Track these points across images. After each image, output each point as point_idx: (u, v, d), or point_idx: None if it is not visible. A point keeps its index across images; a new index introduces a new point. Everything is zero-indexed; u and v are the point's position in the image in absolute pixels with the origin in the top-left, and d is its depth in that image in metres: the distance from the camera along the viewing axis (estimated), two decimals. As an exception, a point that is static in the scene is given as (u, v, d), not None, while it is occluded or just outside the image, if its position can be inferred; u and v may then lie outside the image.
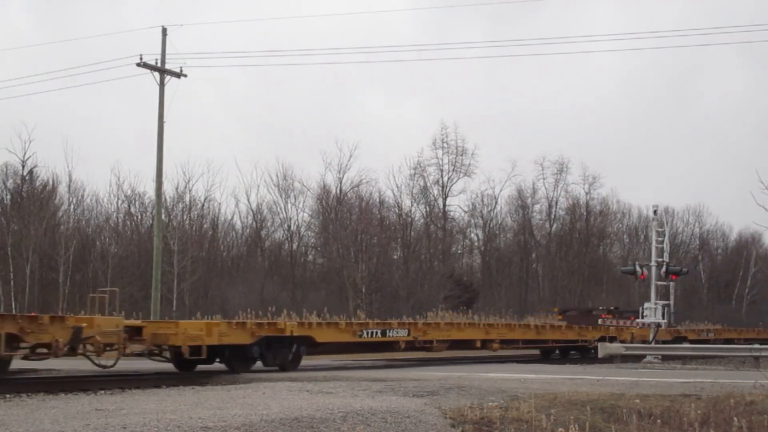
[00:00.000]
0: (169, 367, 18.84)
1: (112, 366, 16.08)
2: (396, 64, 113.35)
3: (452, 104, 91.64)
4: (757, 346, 26.48)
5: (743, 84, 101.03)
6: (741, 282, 70.50)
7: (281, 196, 61.74)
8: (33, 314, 16.67)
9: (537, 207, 67.36)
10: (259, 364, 18.94)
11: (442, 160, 61.94)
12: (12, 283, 48.89)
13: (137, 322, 18.37)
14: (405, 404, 10.53)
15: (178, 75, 36.66)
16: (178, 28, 58.71)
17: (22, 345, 14.90)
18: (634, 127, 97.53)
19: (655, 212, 34.79)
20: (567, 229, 67.16)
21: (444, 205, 62.37)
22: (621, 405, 10.83)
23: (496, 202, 66.61)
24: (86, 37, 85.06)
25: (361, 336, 21.48)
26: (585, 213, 67.23)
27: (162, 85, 36.16)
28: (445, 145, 61.90)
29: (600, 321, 35.48)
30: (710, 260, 74.36)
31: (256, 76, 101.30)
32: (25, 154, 54.75)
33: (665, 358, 26.55)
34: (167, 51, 36.82)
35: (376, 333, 22.05)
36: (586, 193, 66.90)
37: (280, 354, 19.12)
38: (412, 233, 62.29)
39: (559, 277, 64.74)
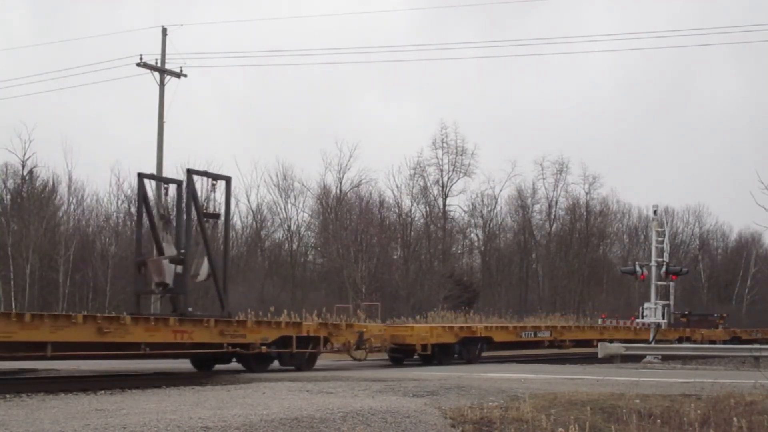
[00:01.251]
0: (170, 366, 18.88)
1: (363, 359, 22.34)
2: (395, 65, 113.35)
3: (452, 104, 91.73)
4: (757, 346, 26.48)
5: (743, 83, 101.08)
6: (741, 282, 70.51)
7: (281, 196, 61.78)
8: (337, 323, 22.92)
9: (537, 207, 67.43)
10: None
11: (442, 160, 62.00)
12: (12, 283, 48.87)
13: (383, 326, 24.79)
14: (405, 404, 10.53)
15: (178, 75, 36.68)
16: (177, 28, 58.76)
17: (328, 346, 20.56)
18: (634, 126, 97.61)
19: (655, 212, 34.80)
20: (567, 229, 67.16)
21: (444, 205, 62.40)
22: (621, 405, 10.83)
23: (496, 202, 66.65)
24: (85, 38, 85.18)
25: (521, 336, 26.88)
26: (585, 213, 67.24)
27: (162, 85, 36.19)
28: (445, 145, 61.95)
29: (600, 321, 35.49)
30: (710, 260, 74.38)
31: (256, 76, 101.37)
32: (25, 154, 54.72)
33: (665, 358, 26.55)
34: (167, 51, 36.88)
35: (530, 334, 27.68)
36: (586, 193, 66.95)
37: (471, 350, 24.45)
38: (412, 233, 62.31)
39: (559, 277, 64.74)
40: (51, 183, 56.43)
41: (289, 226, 61.86)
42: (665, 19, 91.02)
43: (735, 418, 9.68)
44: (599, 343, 25.60)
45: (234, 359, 18.75)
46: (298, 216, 62.22)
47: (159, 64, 36.31)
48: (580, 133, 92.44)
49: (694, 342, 32.60)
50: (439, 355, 23.27)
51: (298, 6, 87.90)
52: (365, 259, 53.66)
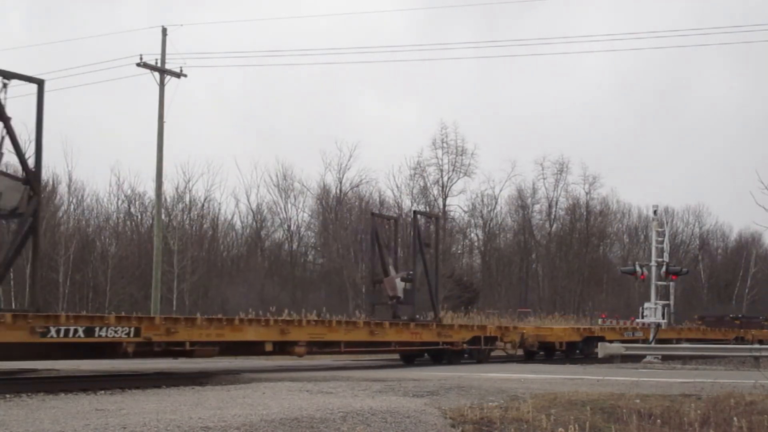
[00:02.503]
0: (169, 366, 18.90)
1: (515, 353, 26.80)
2: (394, 65, 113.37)
3: (452, 104, 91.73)
4: (757, 346, 26.49)
5: (743, 83, 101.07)
6: (741, 282, 70.53)
7: (281, 196, 61.82)
8: (507, 326, 28.06)
9: (537, 207, 67.51)
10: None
11: (441, 160, 62.03)
12: (12, 283, 48.87)
13: (533, 328, 28.82)
14: (405, 404, 10.53)
15: (178, 75, 36.68)
16: (177, 28, 58.77)
17: (498, 344, 25.33)
18: (634, 126, 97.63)
19: (655, 212, 34.80)
20: (567, 229, 67.21)
21: (444, 205, 62.40)
22: (621, 405, 10.83)
23: (496, 202, 66.68)
24: (85, 38, 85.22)
25: (623, 335, 29.19)
26: (585, 213, 67.28)
27: (162, 85, 36.19)
28: (444, 145, 61.99)
29: (600, 321, 35.49)
30: (710, 260, 74.40)
31: (255, 76, 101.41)
32: (25, 154, 54.66)
33: (665, 358, 26.56)
34: (167, 51, 36.88)
35: (630, 334, 30.39)
36: (586, 193, 67.01)
37: (590, 347, 26.63)
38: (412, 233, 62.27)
39: (559, 277, 64.77)
40: (51, 183, 56.47)
41: (289, 226, 61.92)
42: (664, 19, 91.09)
43: (735, 418, 9.68)
44: (599, 344, 25.62)
45: (426, 354, 24.25)
46: (298, 216, 62.27)
47: (159, 64, 36.30)
48: (580, 133, 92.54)
49: (747, 342, 34.39)
50: (566, 351, 27.60)
51: (296, 6, 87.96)
52: (365, 259, 53.62)
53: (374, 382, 14.06)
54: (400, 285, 24.71)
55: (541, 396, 11.61)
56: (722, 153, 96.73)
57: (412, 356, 24.46)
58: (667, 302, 32.35)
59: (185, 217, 58.26)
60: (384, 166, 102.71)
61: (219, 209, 61.56)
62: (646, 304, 31.70)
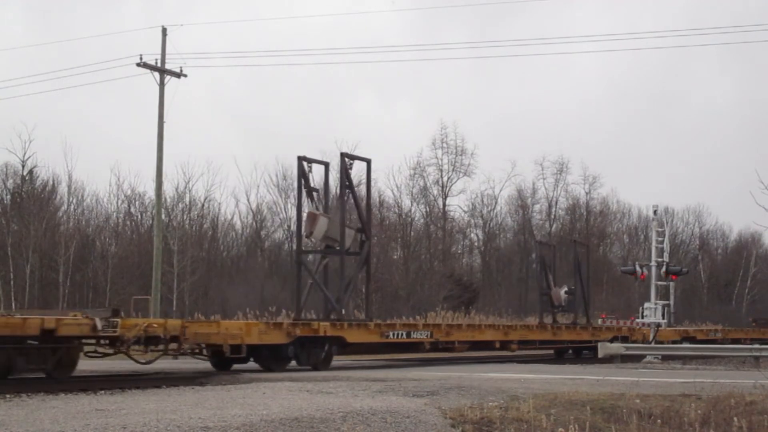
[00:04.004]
0: (170, 366, 18.88)
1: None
2: (393, 65, 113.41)
3: (451, 104, 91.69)
4: (757, 346, 26.49)
5: (743, 82, 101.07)
6: (741, 282, 70.52)
7: (281, 196, 61.77)
8: (634, 327, 31.18)
9: (537, 207, 67.46)
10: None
11: (441, 160, 62.00)
12: (12, 283, 48.90)
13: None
14: (405, 404, 10.53)
15: (178, 75, 36.66)
16: (177, 29, 58.67)
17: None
18: (634, 126, 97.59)
19: (655, 212, 34.85)
20: (567, 229, 67.17)
21: (444, 205, 62.39)
22: (621, 405, 10.83)
23: (496, 202, 66.63)
24: (84, 38, 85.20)
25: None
26: (585, 213, 67.28)
27: (162, 85, 36.17)
28: (444, 145, 61.96)
29: (600, 321, 35.48)
30: (710, 260, 74.37)
31: (254, 76, 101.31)
32: (25, 154, 54.68)
33: (665, 358, 26.57)
34: (167, 51, 36.87)
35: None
36: (586, 193, 66.99)
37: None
38: (412, 233, 62.31)
39: (559, 277, 64.73)
40: (51, 183, 56.49)
41: (289, 226, 61.84)
42: (662, 19, 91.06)
43: (735, 418, 9.68)
44: (599, 344, 25.64)
45: (570, 351, 29.03)
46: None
47: (159, 64, 36.30)
48: (580, 133, 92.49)
49: None
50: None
51: (292, 7, 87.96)
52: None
53: (374, 382, 14.06)
54: (563, 296, 30.85)
55: (541, 396, 11.61)
56: (722, 153, 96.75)
57: (562, 351, 29.84)
58: (667, 302, 32.36)
59: (185, 217, 58.26)
60: (384, 166, 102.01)
61: (219, 209, 61.55)
62: (646, 304, 31.73)
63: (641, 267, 32.15)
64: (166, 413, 9.36)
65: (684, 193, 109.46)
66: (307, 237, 21.74)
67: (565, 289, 31.06)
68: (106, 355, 16.30)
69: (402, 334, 22.16)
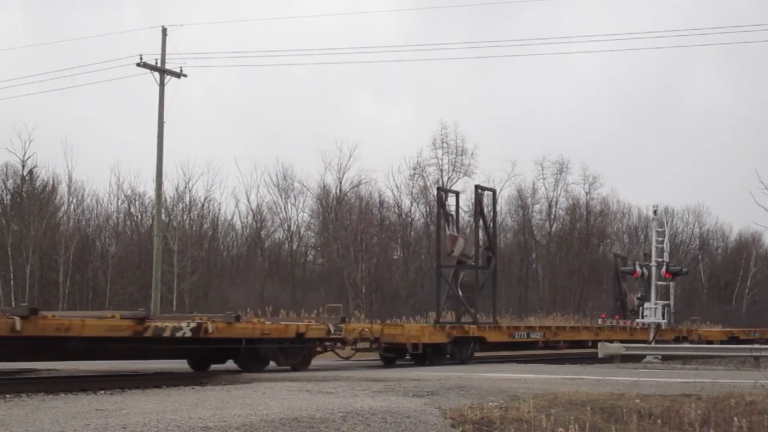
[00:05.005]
0: (169, 366, 18.91)
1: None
2: (393, 65, 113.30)
3: (451, 104, 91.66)
4: (757, 346, 26.48)
5: (743, 81, 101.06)
6: (741, 282, 70.51)
7: (281, 196, 61.80)
8: (691, 328, 34.54)
9: (537, 207, 67.38)
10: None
11: (441, 160, 61.99)
12: (12, 283, 48.91)
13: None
14: (405, 404, 10.53)
15: (178, 75, 36.68)
16: (177, 29, 58.64)
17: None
18: (634, 126, 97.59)
19: (655, 212, 34.80)
20: (567, 229, 67.16)
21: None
22: (621, 405, 10.83)
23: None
24: (82, 38, 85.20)
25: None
26: (585, 213, 67.25)
27: (162, 85, 36.19)
28: (444, 145, 61.95)
29: (600, 321, 35.45)
30: (710, 260, 74.36)
31: (253, 76, 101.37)
32: (25, 154, 54.71)
33: (665, 358, 26.54)
34: (167, 51, 36.88)
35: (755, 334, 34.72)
36: (586, 193, 66.96)
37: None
38: (412, 233, 62.32)
39: (559, 277, 64.75)
40: (51, 183, 56.52)
41: (289, 226, 61.91)
42: (661, 19, 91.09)
43: (735, 418, 9.68)
44: (599, 344, 25.62)
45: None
46: (298, 216, 62.25)
47: (159, 64, 36.32)
48: (580, 133, 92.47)
49: None
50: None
51: (293, 7, 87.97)
52: (365, 259, 53.70)
53: (374, 382, 14.06)
54: (636, 302, 33.80)
55: (541, 396, 11.61)
56: (722, 153, 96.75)
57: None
58: (667, 302, 32.34)
59: (185, 217, 58.29)
60: (383, 166, 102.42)
61: (219, 209, 61.58)
62: (646, 304, 31.69)
63: (641, 267, 32.14)
64: (166, 413, 9.36)
65: (684, 193, 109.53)
66: (449, 254, 25.56)
67: (638, 295, 34.18)
68: (325, 350, 19.93)
69: (524, 335, 26.45)
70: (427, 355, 22.42)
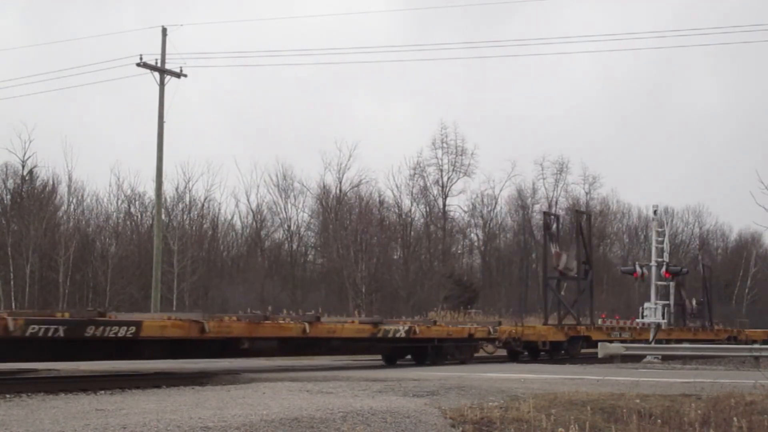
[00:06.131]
0: (169, 366, 18.92)
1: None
2: (393, 65, 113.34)
3: (451, 104, 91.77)
4: (757, 346, 26.49)
5: (743, 82, 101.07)
6: (741, 282, 70.51)
7: (281, 196, 61.87)
8: (740, 329, 38.63)
9: (537, 207, 67.46)
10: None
11: (441, 160, 62.10)
12: (12, 283, 48.92)
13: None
14: (405, 404, 10.53)
15: (179, 75, 36.69)
16: (176, 29, 58.76)
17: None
18: (634, 126, 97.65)
19: (655, 212, 34.84)
20: (567, 229, 67.14)
21: (444, 205, 62.45)
22: (621, 405, 10.82)
23: (496, 202, 66.69)
24: (82, 38, 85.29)
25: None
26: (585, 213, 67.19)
27: (162, 85, 36.19)
28: (444, 145, 62.07)
29: (600, 321, 35.46)
30: (710, 260, 74.31)
31: (252, 77, 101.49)
32: (25, 154, 54.78)
33: (665, 358, 26.55)
34: (166, 51, 36.87)
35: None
36: (586, 193, 67.11)
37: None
38: (412, 233, 62.37)
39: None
40: (51, 183, 56.58)
41: (289, 226, 61.95)
42: (663, 19, 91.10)
43: (735, 418, 9.68)
44: (599, 343, 25.62)
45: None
46: (298, 216, 62.32)
47: (159, 65, 36.32)
48: (580, 133, 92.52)
49: None
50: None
51: (293, 7, 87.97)
52: (365, 259, 53.71)
53: (374, 382, 14.05)
54: (695, 306, 38.58)
55: (541, 396, 11.60)
56: (722, 153, 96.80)
57: None
58: (667, 302, 32.35)
59: (185, 217, 58.33)
60: (383, 166, 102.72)
61: (219, 209, 61.66)
62: (646, 304, 31.72)
63: (641, 267, 32.15)
64: (166, 413, 9.36)
65: (684, 193, 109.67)
66: (554, 268, 29.31)
67: (696, 300, 39.36)
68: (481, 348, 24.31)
69: (620, 334, 29.97)
70: (549, 351, 26.54)
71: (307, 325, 18.32)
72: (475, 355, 24.13)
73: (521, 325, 26.43)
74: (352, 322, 20.42)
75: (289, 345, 18.91)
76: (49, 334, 13.69)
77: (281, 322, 18.53)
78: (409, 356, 22.72)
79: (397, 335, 20.46)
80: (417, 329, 20.87)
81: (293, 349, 19.70)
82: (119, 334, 14.78)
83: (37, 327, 13.51)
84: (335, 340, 19.40)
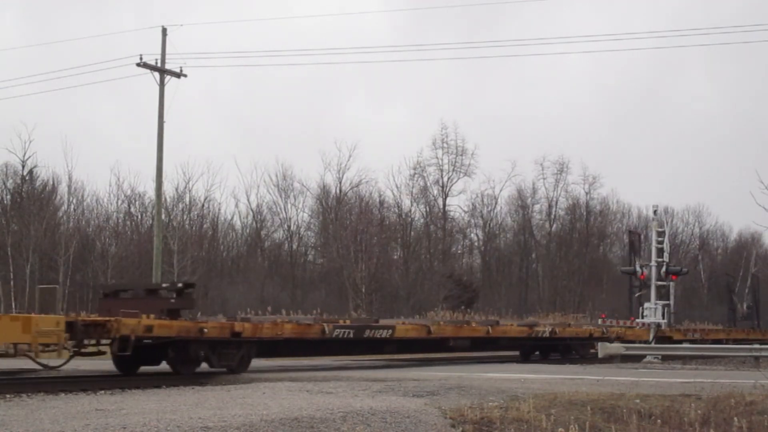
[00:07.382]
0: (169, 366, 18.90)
1: None
2: (391, 65, 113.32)
3: (452, 104, 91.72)
4: (757, 346, 26.48)
5: (743, 82, 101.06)
6: (741, 282, 70.47)
7: (281, 196, 61.80)
8: None
9: (537, 207, 67.41)
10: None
11: (441, 160, 62.05)
12: (12, 283, 48.88)
13: None
14: (405, 404, 10.53)
15: (178, 75, 36.68)
16: (175, 29, 58.68)
17: None
18: (634, 126, 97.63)
19: (655, 212, 34.84)
20: (567, 229, 67.18)
21: (444, 205, 62.42)
22: (621, 405, 10.82)
23: (496, 202, 66.61)
24: (82, 38, 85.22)
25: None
26: (585, 213, 67.26)
27: (162, 85, 36.19)
28: (444, 145, 62.01)
29: (600, 321, 35.47)
30: (710, 260, 74.34)
31: (252, 77, 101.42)
32: (25, 154, 54.70)
33: (665, 358, 26.55)
34: (166, 51, 36.87)
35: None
36: (586, 193, 66.97)
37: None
38: (412, 233, 62.32)
39: (559, 277, 64.74)
40: (51, 183, 56.51)
41: (289, 226, 61.91)
42: (663, 18, 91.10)
43: (735, 418, 9.68)
44: (599, 343, 25.63)
45: None
46: (298, 216, 62.27)
47: (159, 65, 36.31)
48: (580, 133, 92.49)
49: None
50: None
51: (293, 7, 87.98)
52: (365, 259, 53.65)
53: (374, 382, 14.05)
54: (745, 310, 41.87)
55: (541, 396, 11.60)
56: (722, 153, 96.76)
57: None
58: (668, 302, 32.35)
59: (185, 217, 58.27)
60: (383, 166, 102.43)
61: (219, 209, 61.57)
62: (646, 304, 31.70)
63: (641, 267, 32.15)
64: (166, 413, 9.36)
65: (684, 193, 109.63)
66: (640, 278, 32.16)
67: (746, 304, 42.77)
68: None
69: (691, 334, 32.93)
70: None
71: (489, 328, 24.11)
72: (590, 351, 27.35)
73: (623, 326, 30.67)
74: (511, 325, 26.28)
75: (476, 343, 24.27)
76: (343, 335, 19.32)
77: (474, 325, 24.56)
78: (537, 352, 27.93)
79: (544, 335, 25.84)
80: (557, 330, 26.37)
81: (479, 345, 24.92)
82: (383, 335, 20.34)
83: (338, 330, 19.19)
84: (504, 339, 25.10)
